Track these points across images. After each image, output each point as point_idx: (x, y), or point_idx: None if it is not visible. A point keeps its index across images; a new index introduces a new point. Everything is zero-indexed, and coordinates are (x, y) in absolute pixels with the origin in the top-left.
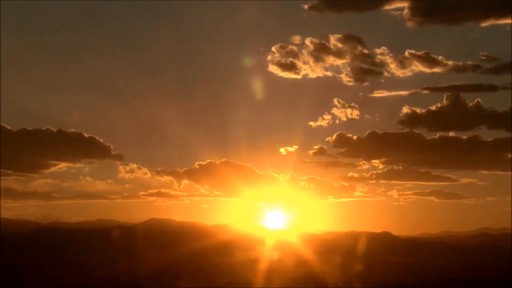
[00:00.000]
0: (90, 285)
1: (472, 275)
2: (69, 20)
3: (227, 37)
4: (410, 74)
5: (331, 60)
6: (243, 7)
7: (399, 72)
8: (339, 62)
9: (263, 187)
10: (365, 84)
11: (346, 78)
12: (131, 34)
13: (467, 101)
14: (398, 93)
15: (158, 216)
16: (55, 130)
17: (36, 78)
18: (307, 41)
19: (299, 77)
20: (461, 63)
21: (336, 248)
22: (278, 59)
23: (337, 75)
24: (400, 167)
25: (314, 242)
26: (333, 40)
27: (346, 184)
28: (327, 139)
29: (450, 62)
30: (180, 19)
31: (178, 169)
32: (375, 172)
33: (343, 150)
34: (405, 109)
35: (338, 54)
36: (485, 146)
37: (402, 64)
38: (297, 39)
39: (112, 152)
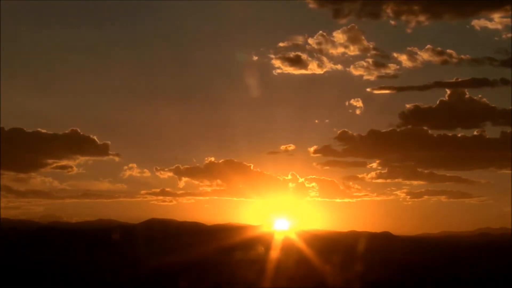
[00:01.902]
0: (90, 285)
1: (472, 275)
2: (68, 20)
3: (229, 36)
4: (420, 68)
5: (337, 54)
6: (246, 6)
7: (410, 67)
8: (345, 56)
9: (265, 186)
10: (373, 79)
11: (353, 73)
12: (132, 33)
13: (474, 97)
14: (407, 87)
15: (159, 216)
16: (54, 129)
17: (32, 77)
18: (312, 37)
19: (306, 72)
20: (472, 57)
21: (336, 248)
22: (282, 55)
23: (345, 69)
24: (404, 166)
25: (315, 242)
26: (340, 34)
27: (348, 183)
28: (331, 137)
29: (463, 56)
30: (180, 18)
31: (178, 169)
32: (377, 171)
33: (346, 148)
34: (410, 105)
35: (345, 48)
36: (492, 143)
37: (413, 59)
38: (300, 38)
39: (112, 152)
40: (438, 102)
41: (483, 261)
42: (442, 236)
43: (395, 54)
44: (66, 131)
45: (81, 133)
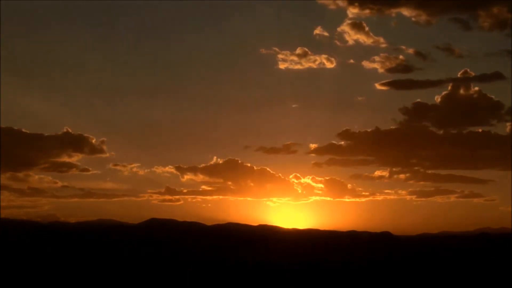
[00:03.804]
0: (90, 285)
1: (472, 275)
2: (68, 20)
3: (231, 32)
4: (432, 64)
5: (345, 48)
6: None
7: (422, 61)
8: (354, 51)
9: (266, 186)
10: (382, 74)
11: (361, 68)
12: (133, 32)
13: (486, 93)
14: (417, 81)
15: (159, 215)
16: (52, 128)
17: (31, 77)
18: (319, 30)
19: (313, 66)
20: (486, 50)
21: (336, 248)
22: (288, 50)
23: (353, 64)
24: (409, 164)
25: (316, 241)
26: (348, 27)
27: (350, 183)
28: (334, 135)
29: (476, 50)
30: (181, 17)
31: (179, 168)
32: (379, 171)
33: (350, 146)
34: (415, 102)
35: (354, 42)
36: (499, 140)
37: (424, 55)
38: (306, 32)
39: (113, 152)
40: (441, 98)
41: (483, 261)
42: (442, 236)
43: (406, 49)
44: (65, 130)
45: (81, 133)
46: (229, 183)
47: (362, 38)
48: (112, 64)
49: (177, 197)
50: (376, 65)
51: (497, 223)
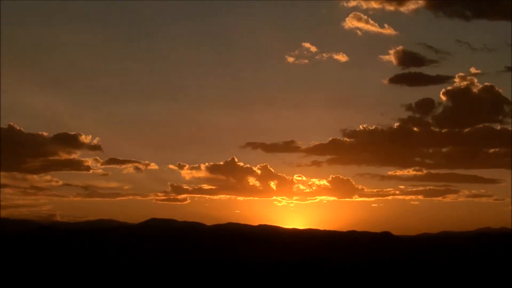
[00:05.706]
0: (90, 285)
1: (472, 275)
2: (67, 20)
3: (233, 32)
4: (445, 57)
5: (350, 45)
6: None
7: (434, 55)
8: (363, 46)
9: (271, 185)
10: (391, 70)
11: (372, 63)
12: (135, 32)
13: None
14: (425, 77)
15: (159, 216)
16: (53, 128)
17: (32, 77)
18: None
19: (320, 61)
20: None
21: (336, 248)
22: (293, 47)
23: (365, 59)
24: (411, 164)
25: (316, 241)
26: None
27: (354, 182)
28: (339, 131)
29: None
30: (181, 15)
31: (180, 168)
32: (383, 170)
33: (352, 145)
34: (419, 100)
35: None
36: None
37: (436, 48)
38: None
39: (113, 151)
40: (447, 94)
41: (483, 261)
42: (442, 236)
43: (418, 41)
44: (66, 129)
45: (82, 132)
46: (232, 181)
47: (371, 31)
48: (113, 64)
49: (183, 196)
50: (387, 58)
51: (499, 223)
